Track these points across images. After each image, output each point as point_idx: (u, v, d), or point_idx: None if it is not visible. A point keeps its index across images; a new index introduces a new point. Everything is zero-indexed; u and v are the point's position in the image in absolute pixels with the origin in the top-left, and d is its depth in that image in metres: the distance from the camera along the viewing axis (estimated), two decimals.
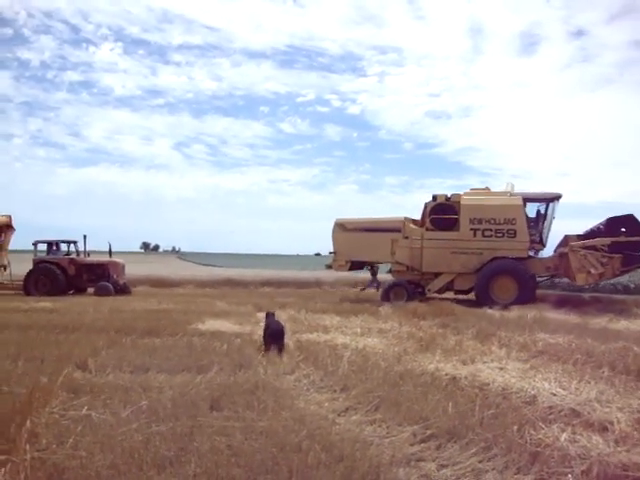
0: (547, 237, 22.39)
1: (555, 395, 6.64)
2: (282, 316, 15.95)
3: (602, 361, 8.64)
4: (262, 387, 7.29)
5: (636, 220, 20.02)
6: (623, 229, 19.91)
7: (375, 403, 6.61)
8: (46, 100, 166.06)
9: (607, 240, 19.97)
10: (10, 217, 27.82)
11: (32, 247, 28.32)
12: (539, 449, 4.89)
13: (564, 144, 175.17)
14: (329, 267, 26.43)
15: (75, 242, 28.61)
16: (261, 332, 11.03)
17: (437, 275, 22.53)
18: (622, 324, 14.75)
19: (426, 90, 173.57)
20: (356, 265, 25.03)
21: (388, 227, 23.39)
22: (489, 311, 17.60)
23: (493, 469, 4.72)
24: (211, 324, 13.73)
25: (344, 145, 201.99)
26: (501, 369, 8.22)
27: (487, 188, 23.25)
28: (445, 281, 22.44)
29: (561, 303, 20.74)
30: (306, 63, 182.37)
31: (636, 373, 7.91)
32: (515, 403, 6.48)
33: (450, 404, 6.27)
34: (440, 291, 22.89)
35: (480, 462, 4.85)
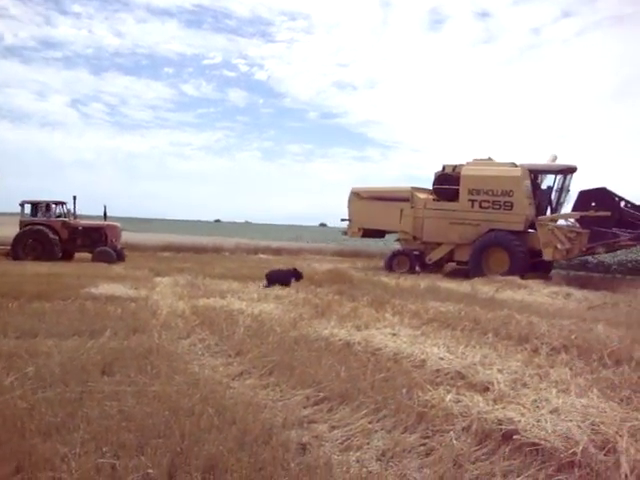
0: (560, 211, 21.42)
1: (443, 359, 6.95)
2: (180, 281, 15.77)
3: (488, 328, 9.13)
4: (156, 351, 7.22)
5: (608, 194, 19.47)
6: (593, 203, 19.24)
7: (269, 367, 6.70)
8: None
9: (576, 214, 19.76)
10: None
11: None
12: (426, 409, 5.14)
13: (464, 121, 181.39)
14: (344, 234, 26.59)
15: (64, 203, 26.25)
16: (157, 297, 12.00)
17: (439, 245, 22.63)
18: (507, 294, 15.56)
19: (335, 60, 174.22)
20: (369, 232, 25.11)
21: (399, 196, 23.46)
22: (384, 279, 18.05)
23: (382, 429, 4.93)
24: (105, 288, 13.33)
25: (248, 111, 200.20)
26: (393, 335, 8.47)
27: (490, 158, 22.88)
28: (445, 251, 22.54)
29: (455, 274, 21.65)
30: (213, 24, 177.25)
31: (517, 338, 8.44)
32: (405, 367, 6.72)
33: (343, 368, 6.44)
34: (441, 261, 22.93)
35: (370, 423, 5.04)
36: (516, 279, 18.29)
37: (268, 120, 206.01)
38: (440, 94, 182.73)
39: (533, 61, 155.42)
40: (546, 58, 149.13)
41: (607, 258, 25.54)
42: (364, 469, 4.15)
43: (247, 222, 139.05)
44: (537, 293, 16.12)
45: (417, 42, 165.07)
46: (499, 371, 6.39)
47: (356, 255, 34.70)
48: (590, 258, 25.03)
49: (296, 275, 15.62)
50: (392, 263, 22.98)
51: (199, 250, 33.63)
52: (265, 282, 15.38)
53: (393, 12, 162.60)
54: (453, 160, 23.09)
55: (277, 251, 35.21)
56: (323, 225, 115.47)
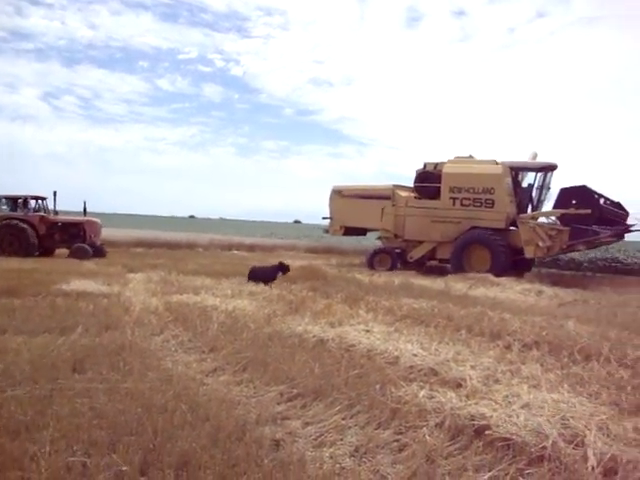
0: (541, 209, 21.72)
1: (416, 356, 6.97)
2: (153, 277, 15.62)
3: (461, 324, 9.19)
4: (128, 348, 7.15)
5: (589, 192, 19.80)
6: (574, 201, 19.66)
7: (243, 364, 6.68)
8: None
9: (557, 212, 20.09)
10: None
11: None
12: (399, 406, 5.16)
13: (441, 119, 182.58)
14: (326, 232, 26.41)
15: (44, 198, 25.57)
16: (129, 293, 11.60)
17: (420, 243, 22.59)
18: (480, 291, 15.70)
19: (311, 56, 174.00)
20: (350, 230, 25.04)
21: (381, 194, 23.41)
22: (358, 276, 18.08)
23: (355, 425, 4.94)
24: (77, 284, 13.13)
25: (224, 106, 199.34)
26: (367, 331, 8.48)
27: (471, 156, 22.96)
28: (426, 249, 22.46)
29: (431, 270, 21.73)
30: (189, 18, 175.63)
31: (489, 335, 8.52)
32: (379, 363, 6.74)
33: (317, 365, 6.43)
34: (423, 259, 22.82)
35: (343, 419, 5.05)
36: (489, 276, 18.45)
37: (243, 116, 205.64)
38: (416, 91, 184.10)
39: (508, 60, 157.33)
40: (521, 57, 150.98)
41: (578, 256, 25.96)
42: (337, 465, 4.17)
43: (222, 219, 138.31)
44: (509, 290, 16.31)
45: (394, 39, 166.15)
46: (472, 367, 6.46)
47: (330, 252, 34.76)
48: (562, 256, 25.40)
49: (282, 269, 15.19)
50: (373, 261, 22.96)
51: (173, 246, 33.34)
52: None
53: (370, 9, 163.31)
54: (429, 157, 23.47)
55: (251, 247, 35.11)
56: (297, 222, 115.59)
